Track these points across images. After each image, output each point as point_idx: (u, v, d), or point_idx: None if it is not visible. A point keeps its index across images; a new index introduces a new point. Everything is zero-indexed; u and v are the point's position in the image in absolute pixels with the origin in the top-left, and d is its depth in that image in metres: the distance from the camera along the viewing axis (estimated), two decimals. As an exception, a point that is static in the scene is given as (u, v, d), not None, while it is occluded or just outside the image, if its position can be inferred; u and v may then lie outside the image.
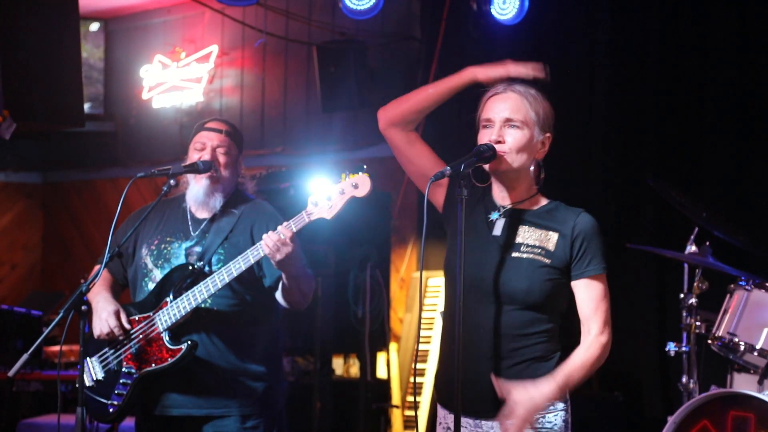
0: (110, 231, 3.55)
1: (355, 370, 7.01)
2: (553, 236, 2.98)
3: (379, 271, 6.69)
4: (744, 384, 4.79)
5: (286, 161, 8.28)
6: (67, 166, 9.98)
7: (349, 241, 6.57)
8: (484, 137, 3.00)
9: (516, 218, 3.03)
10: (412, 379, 7.06)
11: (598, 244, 3.00)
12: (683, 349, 4.99)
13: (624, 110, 6.24)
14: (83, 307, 3.40)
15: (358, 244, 6.65)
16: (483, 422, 2.97)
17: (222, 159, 3.87)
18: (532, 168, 3.04)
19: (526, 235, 3.00)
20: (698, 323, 4.94)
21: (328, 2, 7.91)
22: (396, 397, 7.05)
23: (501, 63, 3.08)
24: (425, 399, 6.90)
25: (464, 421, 2.99)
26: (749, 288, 4.71)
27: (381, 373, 7.03)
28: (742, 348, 4.65)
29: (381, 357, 7.00)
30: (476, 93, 3.10)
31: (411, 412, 7.06)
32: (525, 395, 2.83)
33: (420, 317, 3.31)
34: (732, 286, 4.81)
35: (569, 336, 3.04)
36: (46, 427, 6.23)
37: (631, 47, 6.25)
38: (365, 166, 3.48)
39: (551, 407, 2.93)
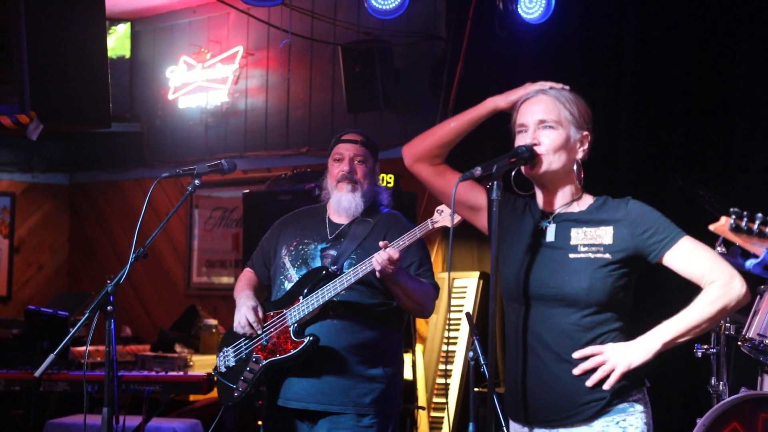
0: (135, 231, 3.57)
1: (380, 371, 6.98)
2: (608, 229, 2.89)
3: (404, 271, 6.67)
4: (774, 386, 4.74)
5: (311, 162, 8.27)
6: (94, 166, 10.04)
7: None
8: (520, 142, 2.96)
9: (567, 221, 2.96)
10: (438, 381, 7.04)
11: (661, 218, 2.90)
12: (711, 350, 4.94)
13: (651, 109, 6.18)
14: (109, 308, 3.43)
15: (384, 244, 6.62)
16: (560, 431, 2.89)
17: (360, 168, 4.09)
18: (574, 168, 2.97)
19: (580, 236, 2.91)
20: (728, 324, 4.90)
21: (353, 2, 7.89)
22: (422, 399, 7.03)
23: (521, 87, 3.04)
24: (451, 401, 6.87)
25: None
26: (780, 289, 4.67)
27: (407, 374, 7.00)
28: (772, 350, 4.61)
29: (407, 358, 6.98)
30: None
31: (437, 414, 7.04)
32: (622, 356, 2.81)
33: (446, 319, 3.29)
34: (762, 287, 4.76)
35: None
36: (73, 427, 6.24)
37: (658, 46, 6.19)
38: None
39: (631, 409, 2.87)
